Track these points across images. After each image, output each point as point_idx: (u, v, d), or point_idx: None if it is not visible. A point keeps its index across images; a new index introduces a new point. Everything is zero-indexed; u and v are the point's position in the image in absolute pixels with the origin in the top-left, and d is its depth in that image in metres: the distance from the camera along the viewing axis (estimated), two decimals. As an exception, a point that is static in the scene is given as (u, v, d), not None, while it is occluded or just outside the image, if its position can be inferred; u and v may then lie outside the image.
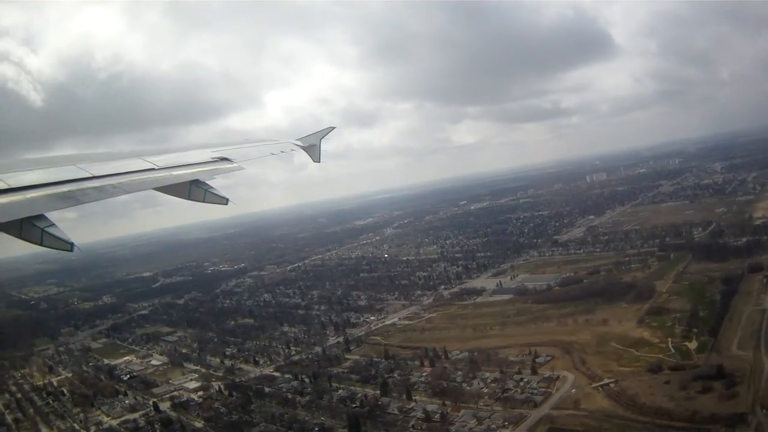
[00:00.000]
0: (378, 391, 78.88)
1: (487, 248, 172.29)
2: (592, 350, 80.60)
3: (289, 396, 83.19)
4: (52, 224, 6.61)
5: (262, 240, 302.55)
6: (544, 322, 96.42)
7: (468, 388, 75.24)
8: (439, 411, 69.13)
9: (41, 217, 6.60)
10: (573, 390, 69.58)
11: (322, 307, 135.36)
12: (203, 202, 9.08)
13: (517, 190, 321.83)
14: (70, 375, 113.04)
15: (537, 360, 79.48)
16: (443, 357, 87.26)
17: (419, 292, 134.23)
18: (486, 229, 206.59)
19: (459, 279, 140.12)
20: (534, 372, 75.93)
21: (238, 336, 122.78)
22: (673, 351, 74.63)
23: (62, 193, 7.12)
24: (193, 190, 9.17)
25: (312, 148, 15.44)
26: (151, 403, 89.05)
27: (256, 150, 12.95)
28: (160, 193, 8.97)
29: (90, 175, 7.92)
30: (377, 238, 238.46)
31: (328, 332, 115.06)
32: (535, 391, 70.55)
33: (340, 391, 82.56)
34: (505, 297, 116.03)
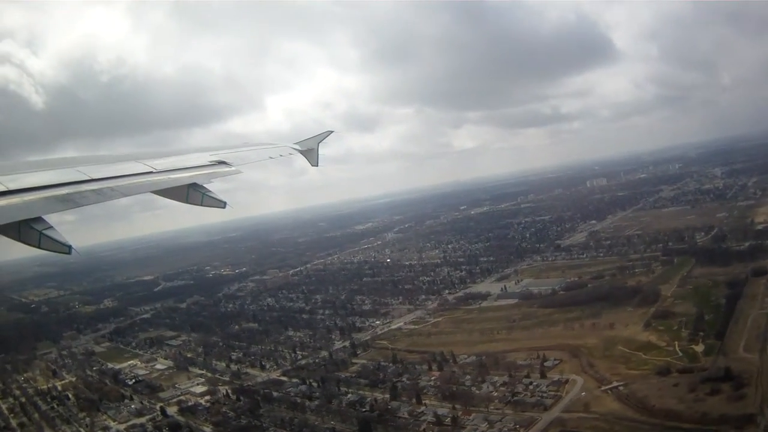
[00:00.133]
0: (387, 395, 78.73)
1: (490, 253, 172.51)
2: (599, 354, 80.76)
3: (298, 400, 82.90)
4: (50, 227, 6.62)
5: (263, 244, 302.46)
6: (550, 326, 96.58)
7: (477, 391, 75.24)
8: (450, 415, 69.12)
9: (39, 219, 6.62)
10: (582, 393, 69.71)
11: (327, 312, 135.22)
12: (201, 205, 9.13)
13: (517, 195, 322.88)
14: (74, 379, 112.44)
15: (545, 364, 79.52)
16: (451, 361, 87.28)
17: (423, 296, 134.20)
18: (488, 234, 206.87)
19: (463, 283, 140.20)
20: (543, 375, 76.08)
21: (243, 340, 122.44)
22: (680, 354, 74.93)
23: (60, 196, 7.16)
24: (191, 193, 9.20)
25: (310, 152, 15.52)
26: (158, 407, 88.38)
27: (254, 154, 13.00)
28: (158, 196, 9.03)
29: (88, 178, 7.95)
30: (378, 242, 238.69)
31: (333, 336, 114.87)
32: (544, 395, 70.71)
33: (349, 395, 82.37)
34: (511, 301, 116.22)
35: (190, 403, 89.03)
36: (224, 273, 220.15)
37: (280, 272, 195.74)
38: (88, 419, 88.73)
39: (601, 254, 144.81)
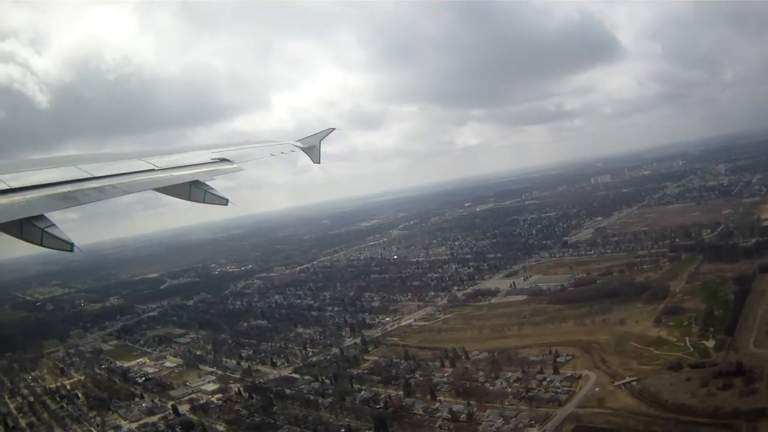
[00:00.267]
0: (401, 392, 78.71)
1: (497, 249, 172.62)
2: (611, 349, 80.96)
3: (311, 397, 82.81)
4: (52, 224, 6.64)
5: (267, 241, 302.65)
6: (561, 322, 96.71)
7: (491, 387, 75.34)
8: (465, 411, 69.19)
9: (41, 217, 6.63)
10: (596, 388, 69.84)
11: (335, 309, 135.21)
12: (203, 202, 9.11)
13: (521, 192, 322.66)
14: (82, 377, 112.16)
15: (558, 359, 79.68)
16: (463, 357, 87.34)
17: (432, 293, 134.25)
18: (494, 231, 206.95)
19: (471, 280, 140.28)
20: (556, 371, 76.17)
21: (252, 337, 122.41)
22: (691, 349, 75.24)
23: (62, 194, 7.17)
24: (193, 190, 9.20)
25: (312, 150, 15.55)
26: (169, 405, 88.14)
27: (256, 151, 13.02)
28: (161, 194, 9.01)
29: (90, 176, 7.97)
30: (384, 239, 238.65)
31: (343, 333, 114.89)
32: (558, 390, 70.78)
33: (363, 392, 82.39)
34: (520, 298, 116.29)
35: (202, 401, 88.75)
36: (230, 270, 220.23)
37: (286, 269, 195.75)
38: (98, 418, 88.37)
39: (609, 251, 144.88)
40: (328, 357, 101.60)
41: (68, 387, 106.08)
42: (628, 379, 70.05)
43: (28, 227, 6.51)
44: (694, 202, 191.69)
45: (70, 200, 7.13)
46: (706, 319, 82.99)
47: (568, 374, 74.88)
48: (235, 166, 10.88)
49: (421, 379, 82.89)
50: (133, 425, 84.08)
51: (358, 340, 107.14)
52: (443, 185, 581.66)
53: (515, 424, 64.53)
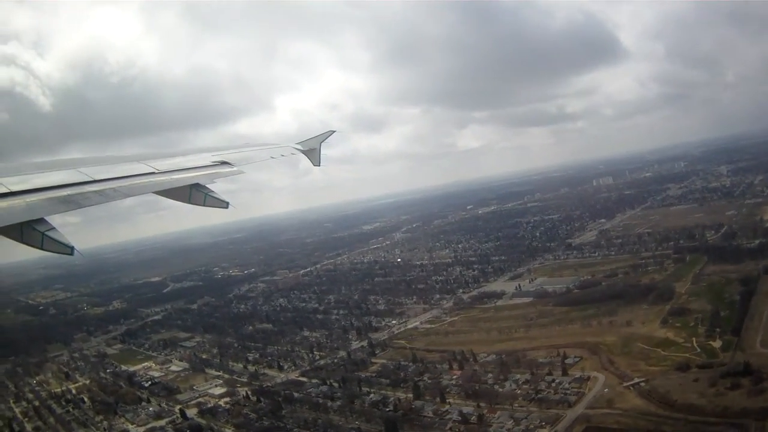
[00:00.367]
0: (410, 395, 78.62)
1: (501, 252, 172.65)
2: (618, 351, 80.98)
3: (320, 401, 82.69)
4: (53, 228, 6.65)
5: (269, 245, 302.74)
6: (567, 324, 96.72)
7: (501, 389, 75.32)
8: (475, 413, 69.12)
9: (42, 220, 6.64)
10: (605, 390, 69.89)
11: (341, 312, 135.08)
12: (204, 205, 9.18)
13: (523, 194, 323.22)
14: (88, 382, 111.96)
15: (566, 361, 79.59)
16: (471, 360, 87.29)
17: (437, 295, 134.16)
18: (497, 233, 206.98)
19: (476, 283, 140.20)
20: (564, 373, 76.11)
21: (258, 341, 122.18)
22: (698, 350, 75.28)
23: (63, 197, 7.16)
24: (194, 193, 9.23)
25: (312, 152, 15.57)
26: (177, 409, 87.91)
27: (257, 154, 13.03)
28: (162, 197, 9.07)
29: (90, 179, 7.95)
30: (387, 242, 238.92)
31: (350, 336, 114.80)
32: (568, 392, 70.78)
33: (372, 395, 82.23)
34: (526, 300, 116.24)
35: (209, 405, 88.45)
36: (233, 274, 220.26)
37: (290, 273, 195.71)
38: (105, 422, 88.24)
39: (613, 252, 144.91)
40: (336, 360, 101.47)
41: (74, 391, 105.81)
42: (636, 380, 70.04)
43: (29, 231, 6.52)
44: (697, 204, 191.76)
45: (71, 204, 7.14)
46: (713, 320, 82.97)
47: (576, 376, 74.84)
48: (235, 169, 10.92)
49: (429, 381, 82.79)
50: (141, 429, 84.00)
51: (364, 343, 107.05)
52: (445, 188, 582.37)
53: (526, 425, 64.50)
